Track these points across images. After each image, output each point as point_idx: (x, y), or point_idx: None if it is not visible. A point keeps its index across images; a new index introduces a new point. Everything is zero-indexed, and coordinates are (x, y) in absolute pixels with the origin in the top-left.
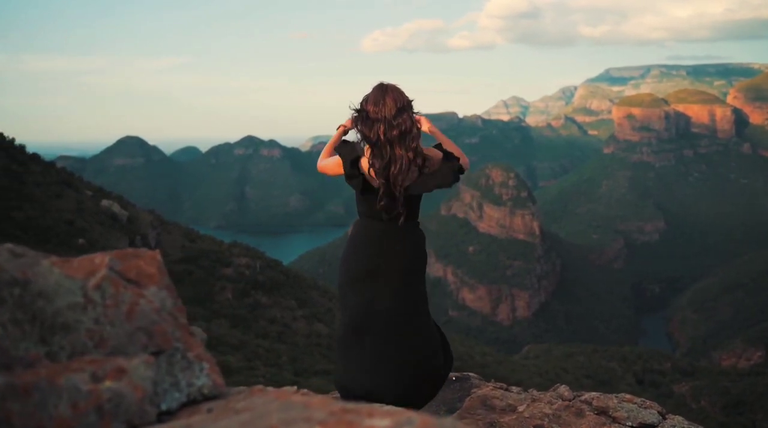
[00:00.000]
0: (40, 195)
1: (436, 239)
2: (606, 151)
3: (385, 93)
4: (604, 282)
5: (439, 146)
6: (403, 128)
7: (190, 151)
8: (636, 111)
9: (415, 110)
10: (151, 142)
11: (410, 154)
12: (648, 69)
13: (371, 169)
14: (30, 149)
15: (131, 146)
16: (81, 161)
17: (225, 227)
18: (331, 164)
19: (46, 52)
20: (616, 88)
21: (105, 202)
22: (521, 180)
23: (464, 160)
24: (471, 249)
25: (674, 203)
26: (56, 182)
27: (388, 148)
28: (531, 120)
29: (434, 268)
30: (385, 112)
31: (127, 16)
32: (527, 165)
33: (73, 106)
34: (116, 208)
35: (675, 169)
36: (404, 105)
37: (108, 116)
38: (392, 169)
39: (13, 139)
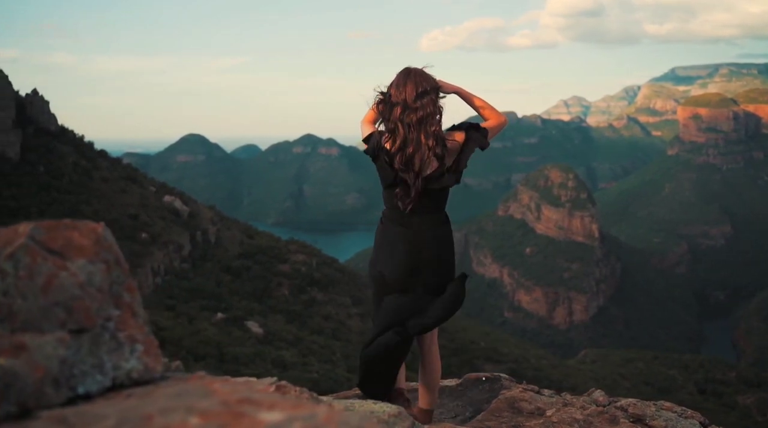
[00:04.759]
0: (106, 189)
1: (493, 240)
2: (670, 152)
3: (407, 77)
4: (665, 288)
5: (460, 125)
6: (421, 113)
7: (250, 149)
8: (703, 111)
9: (441, 95)
10: (212, 140)
11: (430, 142)
12: (716, 68)
13: (393, 156)
14: (98, 146)
15: (193, 144)
16: (145, 158)
17: (283, 224)
18: (363, 131)
19: (114, 53)
20: (681, 88)
21: (167, 198)
22: (581, 181)
23: (495, 122)
24: (528, 250)
25: (742, 207)
26: (122, 178)
27: (404, 131)
28: (592, 120)
29: (490, 269)
30: (405, 96)
31: (189, 18)
32: (587, 166)
33: (139, 105)
34: (178, 203)
35: (743, 172)
36: (426, 89)
37: (172, 114)
38: (408, 151)
39: (82, 136)
